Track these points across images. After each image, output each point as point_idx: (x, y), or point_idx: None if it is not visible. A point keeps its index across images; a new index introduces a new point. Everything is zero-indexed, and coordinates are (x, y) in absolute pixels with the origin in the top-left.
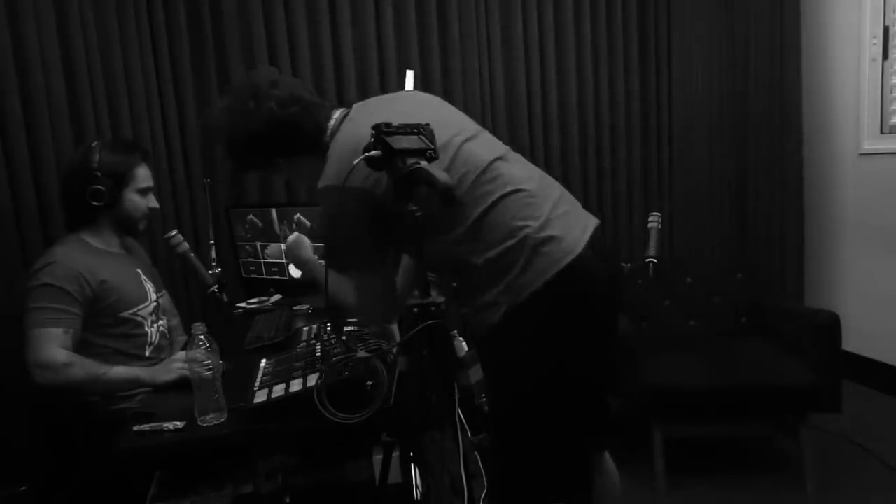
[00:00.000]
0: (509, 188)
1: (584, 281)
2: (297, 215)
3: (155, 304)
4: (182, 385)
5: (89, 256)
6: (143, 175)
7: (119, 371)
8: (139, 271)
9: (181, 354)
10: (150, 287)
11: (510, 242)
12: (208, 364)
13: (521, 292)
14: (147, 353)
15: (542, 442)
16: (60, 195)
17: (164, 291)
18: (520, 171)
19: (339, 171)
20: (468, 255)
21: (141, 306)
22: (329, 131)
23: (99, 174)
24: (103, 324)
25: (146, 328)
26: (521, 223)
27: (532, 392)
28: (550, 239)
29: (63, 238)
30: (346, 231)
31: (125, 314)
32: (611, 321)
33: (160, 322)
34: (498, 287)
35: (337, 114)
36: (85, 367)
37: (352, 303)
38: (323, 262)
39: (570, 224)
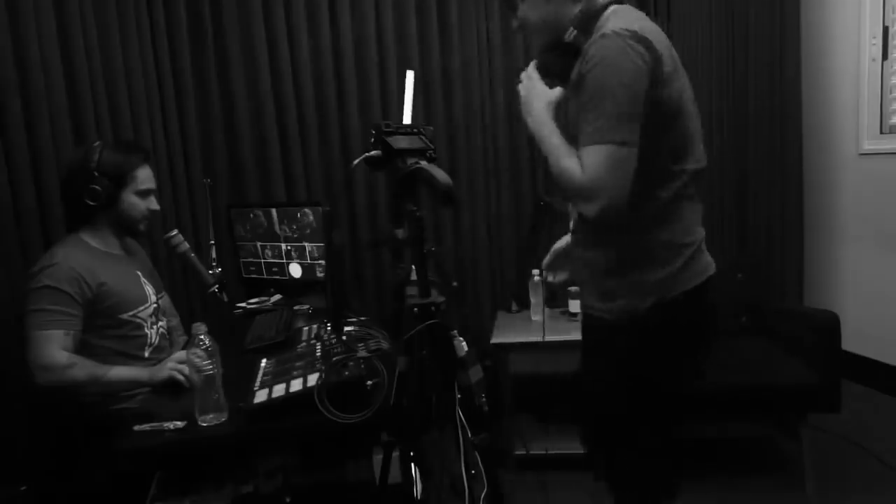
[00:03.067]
0: (695, 191)
1: (709, 299)
2: None
3: (155, 305)
4: (181, 385)
5: (89, 258)
6: (144, 176)
7: (119, 371)
8: (139, 273)
9: (178, 355)
10: (149, 288)
11: (688, 239)
12: (208, 364)
13: (674, 289)
14: (147, 354)
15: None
16: (60, 195)
17: (163, 293)
18: None
19: (629, 21)
20: (651, 228)
21: (140, 308)
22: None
23: (97, 174)
24: (103, 325)
25: (146, 329)
26: (697, 226)
27: (652, 390)
28: (704, 251)
29: (63, 239)
30: (625, 89)
31: (125, 316)
32: (705, 354)
33: (160, 323)
34: (657, 273)
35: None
36: (86, 368)
37: (591, 177)
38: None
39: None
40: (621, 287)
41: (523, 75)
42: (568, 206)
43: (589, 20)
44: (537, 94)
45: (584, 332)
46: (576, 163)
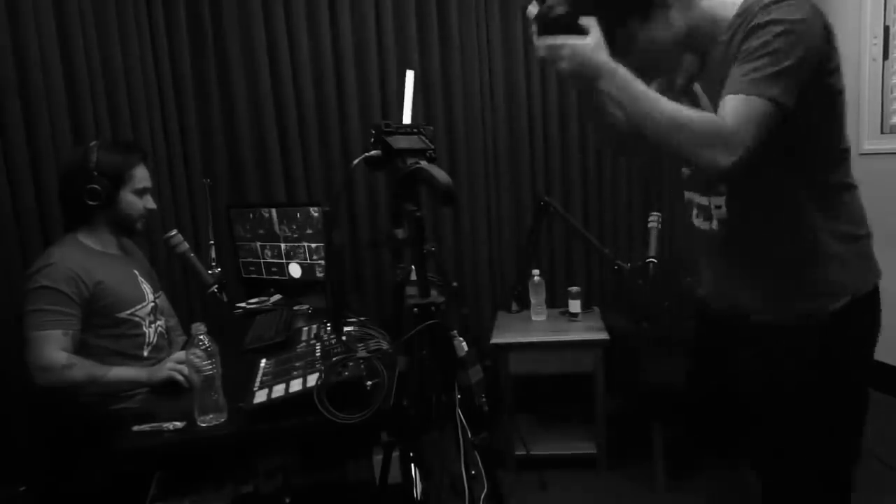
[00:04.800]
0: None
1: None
2: None
3: (152, 304)
4: (181, 385)
5: (85, 257)
6: (141, 176)
7: (118, 372)
8: (136, 272)
9: (177, 355)
10: (146, 288)
11: (863, 231)
12: (208, 364)
13: (868, 281)
14: (145, 354)
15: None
16: (58, 195)
17: (160, 292)
18: None
19: None
20: (828, 220)
21: (138, 307)
22: None
23: (95, 174)
24: (101, 325)
25: (144, 328)
26: (866, 220)
27: (844, 402)
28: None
29: (60, 239)
30: (801, 50)
31: (122, 314)
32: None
33: (158, 322)
34: (848, 270)
35: None
36: (85, 368)
37: (738, 126)
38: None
39: None
40: (803, 286)
41: (546, 44)
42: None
43: None
44: (590, 50)
45: (746, 343)
46: (694, 110)
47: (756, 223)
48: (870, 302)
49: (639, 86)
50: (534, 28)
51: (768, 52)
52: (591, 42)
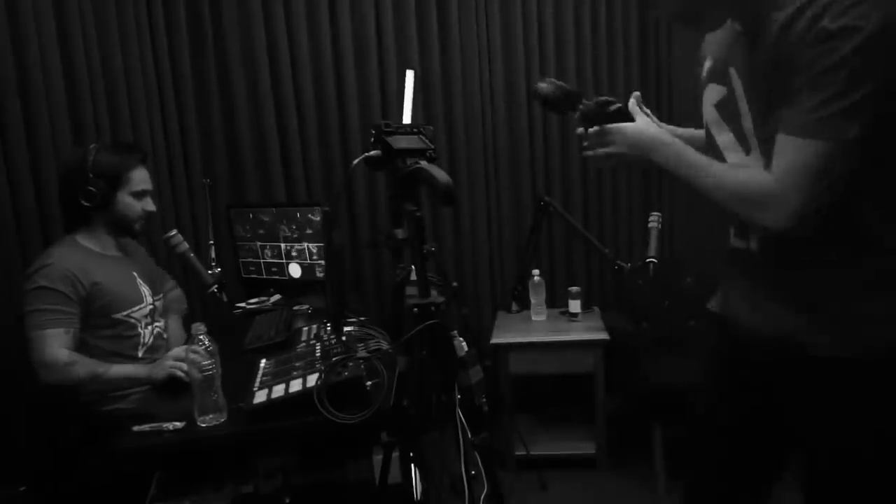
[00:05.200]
0: None
1: None
2: None
3: (151, 306)
4: (181, 385)
5: (83, 258)
6: (139, 178)
7: (119, 369)
8: (135, 274)
9: (175, 352)
10: (145, 290)
11: None
12: (208, 364)
13: None
14: (140, 354)
15: None
16: (58, 196)
17: (161, 295)
18: None
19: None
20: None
21: (135, 308)
22: None
23: (92, 176)
24: (97, 325)
25: (140, 329)
26: None
27: None
28: None
29: (59, 240)
30: (881, 72)
31: (118, 315)
32: None
33: (156, 324)
34: None
35: None
36: (86, 366)
37: (767, 191)
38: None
39: None
40: (878, 310)
41: (594, 132)
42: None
43: None
44: (641, 128)
45: (798, 382)
46: (745, 170)
47: (806, 241)
48: None
49: (690, 155)
50: (577, 120)
51: (838, 78)
52: (639, 121)
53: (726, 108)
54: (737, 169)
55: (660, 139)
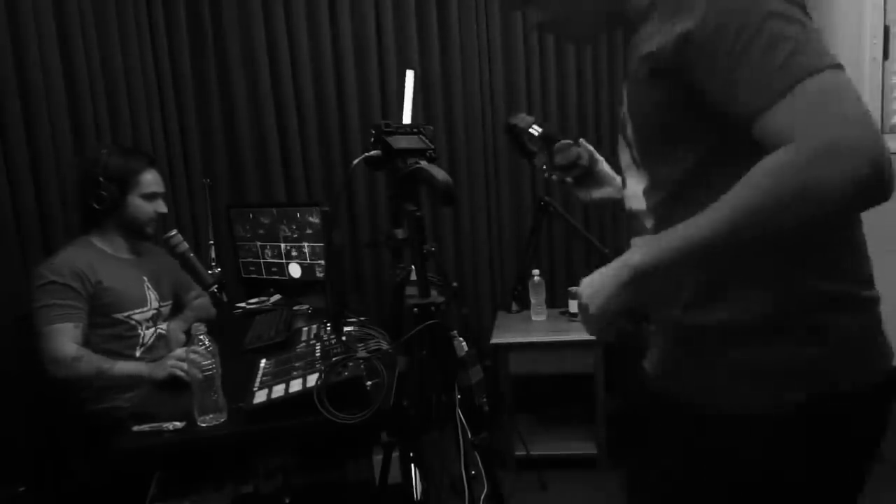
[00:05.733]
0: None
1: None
2: None
3: (155, 311)
4: (181, 385)
5: (93, 257)
6: (149, 180)
7: (123, 367)
8: (144, 278)
9: (177, 352)
10: (152, 294)
11: (867, 292)
12: (208, 364)
13: (844, 375)
14: (137, 354)
15: None
16: (71, 200)
17: (169, 301)
18: None
19: None
20: (811, 266)
21: (137, 310)
22: None
23: (102, 179)
24: (98, 323)
25: (140, 331)
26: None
27: None
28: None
29: (74, 240)
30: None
31: (119, 315)
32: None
33: (159, 327)
34: (817, 346)
35: None
36: (92, 362)
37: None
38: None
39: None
40: (754, 365)
41: (587, 285)
42: None
43: None
44: (593, 278)
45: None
46: (759, 168)
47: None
48: (871, 401)
49: (691, 231)
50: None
51: (759, 32)
52: (585, 280)
53: (624, 126)
54: (741, 185)
55: (655, 248)
